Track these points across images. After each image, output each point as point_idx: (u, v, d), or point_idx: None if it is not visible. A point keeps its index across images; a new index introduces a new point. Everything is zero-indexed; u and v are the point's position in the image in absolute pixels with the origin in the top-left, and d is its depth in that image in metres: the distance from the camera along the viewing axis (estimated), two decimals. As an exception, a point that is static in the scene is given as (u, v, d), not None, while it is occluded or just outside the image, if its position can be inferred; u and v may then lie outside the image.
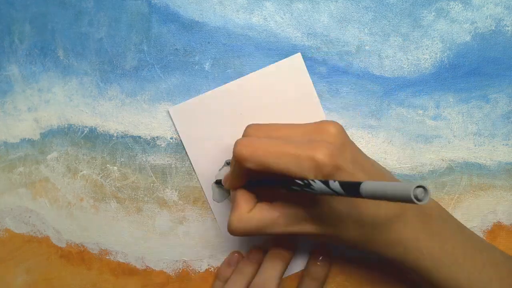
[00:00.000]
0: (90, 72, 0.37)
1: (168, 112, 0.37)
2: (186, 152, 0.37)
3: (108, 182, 0.38)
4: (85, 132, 0.38)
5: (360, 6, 0.36)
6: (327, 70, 0.37)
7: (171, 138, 0.37)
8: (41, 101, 0.38)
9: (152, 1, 0.37)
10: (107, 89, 0.38)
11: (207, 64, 0.37)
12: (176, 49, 0.37)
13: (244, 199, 0.31)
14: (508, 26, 0.36)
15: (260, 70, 0.36)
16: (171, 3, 0.37)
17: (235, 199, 0.31)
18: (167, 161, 0.38)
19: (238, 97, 0.36)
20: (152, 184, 0.38)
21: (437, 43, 0.37)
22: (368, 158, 0.31)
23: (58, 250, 0.38)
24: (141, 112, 0.38)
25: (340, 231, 0.30)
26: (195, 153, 0.37)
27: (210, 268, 0.38)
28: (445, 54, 0.37)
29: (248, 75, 0.36)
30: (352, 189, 0.22)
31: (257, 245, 0.38)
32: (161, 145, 0.38)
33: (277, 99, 0.36)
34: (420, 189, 0.19)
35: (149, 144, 0.38)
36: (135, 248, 0.38)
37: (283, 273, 0.35)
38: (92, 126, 0.38)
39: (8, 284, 0.38)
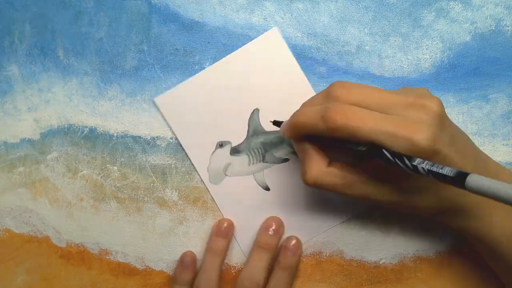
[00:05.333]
0: (90, 72, 0.37)
1: (154, 101, 0.37)
2: (177, 139, 0.37)
3: (108, 182, 0.38)
4: (85, 132, 0.38)
5: (360, 6, 0.36)
6: (327, 70, 0.37)
7: (171, 138, 0.37)
8: (41, 101, 0.38)
9: (152, 1, 0.37)
10: (107, 89, 0.38)
11: (207, 64, 0.37)
12: (176, 49, 0.37)
13: (316, 153, 0.30)
14: (508, 26, 0.36)
15: (240, 48, 0.36)
16: (171, 3, 0.37)
17: (306, 151, 0.30)
18: (167, 161, 0.38)
19: (222, 78, 0.37)
20: (152, 184, 0.38)
21: (437, 43, 0.37)
22: (463, 133, 0.30)
23: (58, 250, 0.38)
24: (141, 112, 0.38)
25: (418, 202, 0.29)
26: (187, 138, 0.37)
27: (210, 268, 0.38)
28: (445, 54, 0.37)
29: (229, 55, 0.36)
30: (458, 179, 0.21)
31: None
32: (161, 145, 0.38)
33: (262, 76, 0.36)
34: None
35: (149, 144, 0.38)
36: (135, 248, 0.38)
37: (270, 264, 0.35)
38: (92, 126, 0.38)
39: (8, 284, 0.38)
